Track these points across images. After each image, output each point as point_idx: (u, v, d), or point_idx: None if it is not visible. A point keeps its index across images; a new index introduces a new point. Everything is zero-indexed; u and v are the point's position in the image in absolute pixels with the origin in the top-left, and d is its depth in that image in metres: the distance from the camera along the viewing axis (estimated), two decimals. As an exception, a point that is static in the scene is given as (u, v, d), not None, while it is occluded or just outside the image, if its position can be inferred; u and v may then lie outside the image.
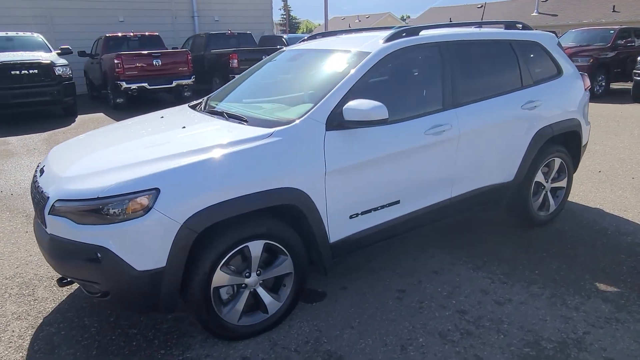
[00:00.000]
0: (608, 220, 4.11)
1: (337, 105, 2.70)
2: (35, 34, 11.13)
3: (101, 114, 10.67)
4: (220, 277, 2.44)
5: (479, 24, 3.95)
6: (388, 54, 3.00)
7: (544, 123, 3.70)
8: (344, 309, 2.88)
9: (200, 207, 2.28)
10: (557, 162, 3.94)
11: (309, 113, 2.69)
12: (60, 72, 9.88)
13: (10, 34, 10.81)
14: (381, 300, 2.97)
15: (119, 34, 12.28)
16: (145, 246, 2.23)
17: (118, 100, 11.03)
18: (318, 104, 2.72)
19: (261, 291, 2.61)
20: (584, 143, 4.17)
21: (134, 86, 10.81)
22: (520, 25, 3.99)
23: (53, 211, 2.34)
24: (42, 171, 2.75)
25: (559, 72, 3.94)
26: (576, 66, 4.18)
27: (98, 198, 2.22)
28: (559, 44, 4.08)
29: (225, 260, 2.43)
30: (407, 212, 3.08)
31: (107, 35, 12.16)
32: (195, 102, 3.68)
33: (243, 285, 2.55)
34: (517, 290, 3.04)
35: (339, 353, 2.49)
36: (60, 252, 2.35)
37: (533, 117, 3.63)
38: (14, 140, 8.06)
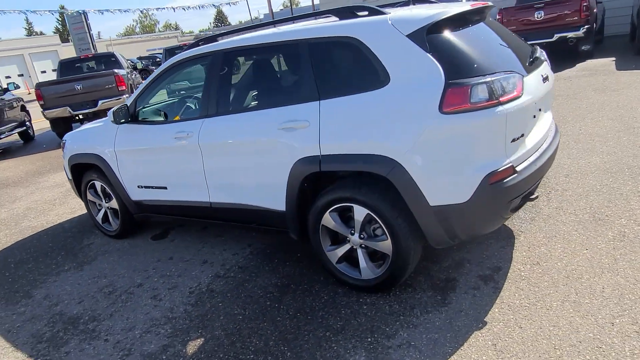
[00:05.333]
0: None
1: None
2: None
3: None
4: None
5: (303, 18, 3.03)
6: (169, 65, 3.55)
7: (309, 152, 2.76)
8: (145, 253, 4.11)
9: (73, 153, 4.36)
10: (360, 212, 2.72)
11: (115, 111, 3.98)
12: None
13: None
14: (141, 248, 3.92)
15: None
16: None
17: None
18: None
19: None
20: (435, 202, 2.46)
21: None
22: (366, 12, 2.76)
23: None
24: None
25: (383, 80, 2.54)
26: None
27: None
28: (416, 34, 2.49)
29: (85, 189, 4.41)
30: (175, 199, 3.70)
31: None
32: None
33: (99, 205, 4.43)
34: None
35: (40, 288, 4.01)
36: None
37: (291, 142, 2.82)
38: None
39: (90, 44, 29.12)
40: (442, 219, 2.50)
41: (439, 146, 2.42)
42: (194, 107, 3.80)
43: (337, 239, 2.96)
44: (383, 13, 2.69)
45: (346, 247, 2.90)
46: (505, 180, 2.43)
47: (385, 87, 2.54)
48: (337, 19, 2.88)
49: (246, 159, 3.11)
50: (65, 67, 11.89)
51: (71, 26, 28.53)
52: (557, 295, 2.63)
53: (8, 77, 35.18)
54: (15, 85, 11.51)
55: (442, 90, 2.37)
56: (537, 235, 3.29)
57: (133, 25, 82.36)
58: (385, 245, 2.71)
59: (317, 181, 2.91)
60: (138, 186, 3.93)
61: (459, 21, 2.67)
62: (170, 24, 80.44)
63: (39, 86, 10.11)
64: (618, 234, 3.15)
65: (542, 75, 2.79)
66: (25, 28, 68.31)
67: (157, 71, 3.65)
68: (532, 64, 2.80)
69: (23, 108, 11.67)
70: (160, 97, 4.33)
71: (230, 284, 3.28)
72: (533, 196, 2.69)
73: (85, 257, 4.13)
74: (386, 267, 2.76)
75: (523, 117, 2.53)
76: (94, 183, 4.32)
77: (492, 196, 2.42)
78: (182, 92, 4.36)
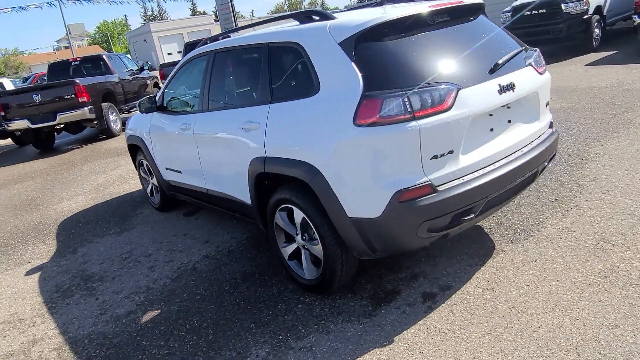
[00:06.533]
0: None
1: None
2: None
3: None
4: (141, 171, 5.16)
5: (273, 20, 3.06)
6: (185, 61, 3.92)
7: (258, 153, 2.90)
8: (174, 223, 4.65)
9: (128, 134, 5.05)
10: (298, 214, 2.79)
11: (154, 101, 4.49)
12: (569, 8, 10.06)
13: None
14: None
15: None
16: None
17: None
18: (156, 95, 4.43)
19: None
20: (353, 214, 2.44)
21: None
22: (318, 18, 2.74)
23: None
24: None
25: (315, 87, 2.55)
26: None
27: None
28: (346, 42, 2.43)
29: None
30: (186, 182, 4.12)
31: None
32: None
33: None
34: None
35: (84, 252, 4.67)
36: None
37: (248, 141, 2.98)
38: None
39: (234, 24, 31.74)
40: (360, 231, 2.47)
41: (353, 159, 2.38)
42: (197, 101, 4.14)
43: (290, 237, 3.07)
44: (330, 18, 2.67)
45: (294, 246, 3.00)
46: (418, 200, 2.30)
47: (316, 94, 2.55)
48: (298, 23, 2.92)
49: (222, 153, 3.37)
50: (190, 49, 13.24)
51: (218, 7, 31.24)
52: (484, 326, 2.43)
53: (170, 54, 40.01)
54: (149, 66, 13.23)
55: (358, 102, 2.32)
56: (516, 257, 3.00)
57: (282, 3, 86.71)
58: (318, 249, 2.76)
59: (274, 180, 3.03)
60: (166, 168, 4.43)
61: (407, 26, 2.52)
62: (315, 1, 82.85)
63: (162, 67, 11.51)
64: (609, 268, 2.73)
65: (499, 85, 2.51)
66: (190, 8, 76.49)
67: (176, 67, 4.06)
68: (493, 72, 2.54)
69: (156, 85, 13.38)
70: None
71: (211, 265, 3.61)
72: (467, 217, 2.47)
73: (129, 224, 4.82)
74: (320, 270, 2.81)
75: (454, 131, 2.34)
76: (142, 161, 4.97)
77: (403, 214, 2.33)
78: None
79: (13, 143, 11.74)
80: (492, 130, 2.57)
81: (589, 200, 3.59)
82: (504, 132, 2.64)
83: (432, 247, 3.26)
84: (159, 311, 3.10)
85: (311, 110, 2.56)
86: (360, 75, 2.36)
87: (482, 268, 2.95)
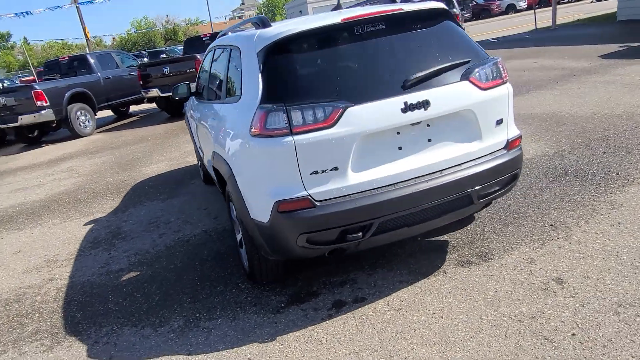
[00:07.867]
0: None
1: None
2: None
3: None
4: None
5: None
6: (207, 51, 4.32)
7: (213, 147, 3.18)
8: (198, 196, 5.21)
9: (185, 114, 5.72)
10: (234, 209, 3.04)
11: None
12: None
13: None
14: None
15: None
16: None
17: None
18: (195, 83, 4.93)
19: (201, 162, 5.65)
20: (254, 216, 2.60)
21: None
22: (260, 25, 2.84)
23: None
24: None
25: (240, 93, 2.72)
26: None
27: None
28: (260, 52, 2.54)
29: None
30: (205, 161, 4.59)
31: None
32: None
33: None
34: (165, 241, 4.13)
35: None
36: None
37: (211, 135, 3.28)
38: None
39: (380, -3, 31.95)
40: (261, 233, 2.63)
41: (248, 166, 2.55)
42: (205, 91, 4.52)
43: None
44: (266, 27, 2.78)
45: (239, 235, 3.26)
46: (296, 212, 2.38)
47: (239, 100, 2.74)
48: (254, 28, 3.07)
49: (206, 142, 3.73)
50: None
51: (366, -20, 31.68)
52: (357, 345, 2.44)
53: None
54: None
55: (253, 113, 2.45)
56: (450, 283, 2.84)
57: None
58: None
59: None
60: (199, 147, 4.97)
61: (324, 37, 2.53)
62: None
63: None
64: (533, 312, 2.46)
65: (405, 103, 2.37)
66: (351, -20, 77.58)
67: (204, 55, 4.50)
68: (406, 88, 2.42)
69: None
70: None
71: (202, 240, 4.05)
72: (355, 235, 2.44)
73: (178, 193, 5.53)
74: (248, 263, 3.04)
75: (337, 149, 2.33)
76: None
77: (283, 224, 2.43)
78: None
79: (156, 107, 13.72)
80: (400, 148, 2.47)
81: (587, 231, 3.14)
82: (421, 151, 2.51)
83: (380, 255, 3.23)
84: (138, 273, 3.66)
85: (233, 115, 2.76)
86: (261, 86, 2.47)
87: (408, 287, 2.87)
